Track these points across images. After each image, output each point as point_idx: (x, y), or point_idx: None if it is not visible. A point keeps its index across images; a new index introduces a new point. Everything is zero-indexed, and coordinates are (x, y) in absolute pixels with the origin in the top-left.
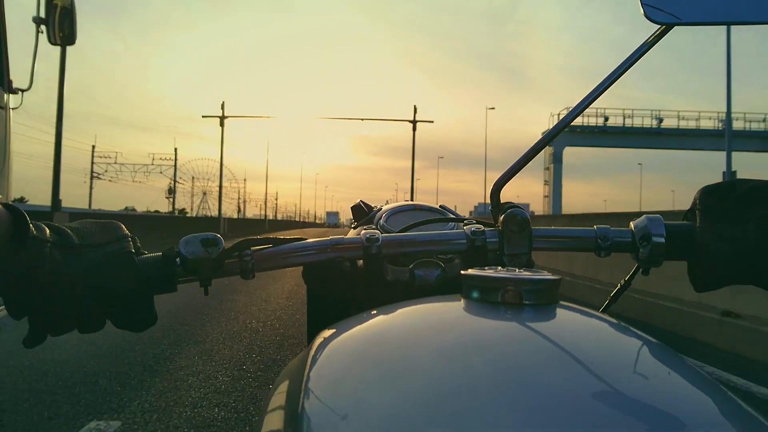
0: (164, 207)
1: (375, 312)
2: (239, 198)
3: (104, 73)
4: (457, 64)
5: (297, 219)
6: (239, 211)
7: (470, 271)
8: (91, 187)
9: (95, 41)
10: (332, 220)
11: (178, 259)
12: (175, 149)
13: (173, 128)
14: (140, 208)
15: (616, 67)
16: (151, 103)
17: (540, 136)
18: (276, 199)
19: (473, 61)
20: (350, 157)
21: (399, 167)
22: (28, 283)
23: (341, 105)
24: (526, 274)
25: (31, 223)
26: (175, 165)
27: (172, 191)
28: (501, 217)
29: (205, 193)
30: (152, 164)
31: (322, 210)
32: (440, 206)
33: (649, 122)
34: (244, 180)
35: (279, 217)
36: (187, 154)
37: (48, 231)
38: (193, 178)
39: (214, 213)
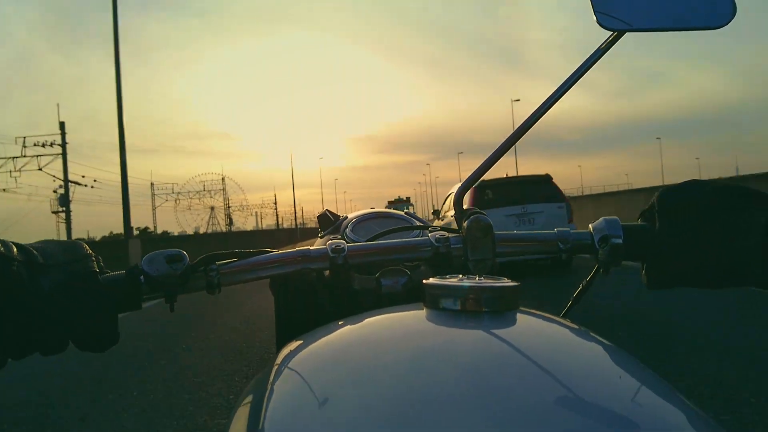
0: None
1: (340, 323)
2: (252, 211)
3: (106, 99)
4: (453, 54)
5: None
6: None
7: (431, 281)
8: (154, 215)
9: (94, 68)
10: None
11: (142, 277)
12: (222, 177)
13: (180, 148)
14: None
15: (571, 73)
16: (155, 126)
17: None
18: (299, 208)
19: (468, 49)
20: (358, 159)
21: (406, 162)
22: None
23: (342, 107)
24: (485, 281)
25: None
26: (224, 187)
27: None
28: (465, 224)
29: (213, 208)
30: (203, 190)
31: (344, 213)
32: (406, 212)
33: None
34: (274, 192)
35: (288, 224)
36: (194, 170)
37: (15, 249)
38: (203, 192)
39: (224, 228)
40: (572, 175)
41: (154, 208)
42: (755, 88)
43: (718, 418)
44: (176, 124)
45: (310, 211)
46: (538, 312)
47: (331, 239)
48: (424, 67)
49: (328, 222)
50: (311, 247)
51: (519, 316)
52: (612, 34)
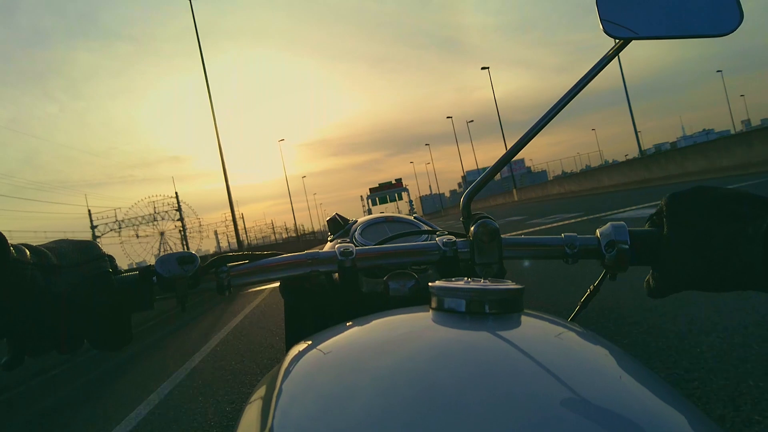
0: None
1: (348, 324)
2: (211, 230)
3: (45, 137)
4: (393, 49)
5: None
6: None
7: (437, 283)
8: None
9: (28, 107)
10: None
11: (154, 278)
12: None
13: (128, 177)
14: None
15: (578, 80)
16: (100, 158)
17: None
18: (269, 220)
19: (407, 42)
20: (316, 164)
21: (362, 162)
22: (8, 305)
23: (290, 115)
24: (490, 284)
25: (11, 246)
26: (178, 206)
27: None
28: (472, 228)
29: (162, 234)
30: (154, 212)
31: (318, 223)
32: (414, 217)
33: None
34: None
35: (254, 239)
36: (143, 193)
37: (28, 252)
38: (152, 215)
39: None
40: (531, 154)
41: (94, 237)
42: (689, 50)
43: (722, 422)
44: (123, 153)
45: (281, 222)
46: (542, 314)
47: (339, 243)
48: (366, 65)
49: (338, 226)
50: (320, 251)
51: (524, 318)
52: (618, 42)
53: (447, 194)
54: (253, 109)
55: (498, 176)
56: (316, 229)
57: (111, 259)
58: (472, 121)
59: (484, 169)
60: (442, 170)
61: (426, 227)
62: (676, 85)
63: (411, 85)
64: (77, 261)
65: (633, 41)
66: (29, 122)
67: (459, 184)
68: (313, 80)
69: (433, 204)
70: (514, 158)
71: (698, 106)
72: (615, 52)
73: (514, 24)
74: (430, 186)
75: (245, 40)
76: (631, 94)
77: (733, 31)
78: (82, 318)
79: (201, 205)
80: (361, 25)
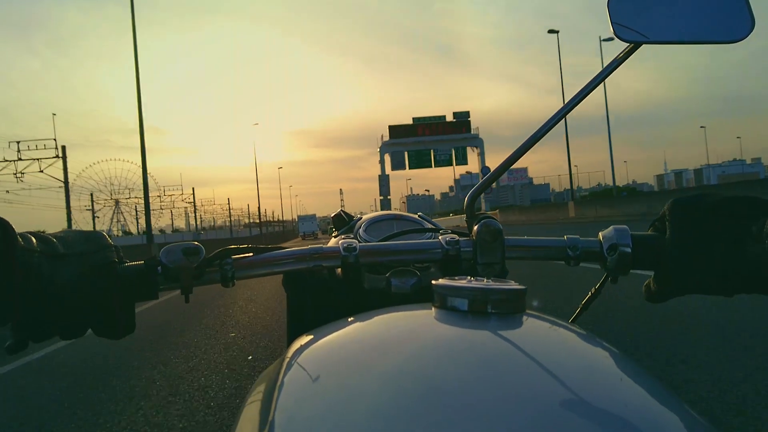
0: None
1: (350, 320)
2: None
3: (25, 92)
4: (389, 48)
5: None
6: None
7: (441, 281)
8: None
9: (9, 58)
10: (309, 227)
11: (159, 268)
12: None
13: (105, 142)
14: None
15: (587, 83)
16: (79, 119)
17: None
18: (244, 205)
19: (404, 43)
20: (296, 153)
21: (343, 157)
22: (15, 292)
23: (277, 100)
24: (493, 284)
25: (18, 234)
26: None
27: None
28: (475, 227)
29: (117, 202)
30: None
31: (289, 212)
32: (419, 215)
33: None
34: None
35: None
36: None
37: (35, 240)
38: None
39: (133, 230)
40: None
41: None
42: (678, 88)
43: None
44: (102, 117)
45: (244, 206)
46: (544, 315)
47: (343, 239)
48: (359, 61)
49: (342, 222)
50: (324, 245)
51: (525, 318)
52: (628, 46)
53: (438, 197)
54: (237, 89)
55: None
56: (286, 219)
57: (117, 249)
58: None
59: (477, 174)
60: (429, 175)
61: (430, 226)
62: (659, 120)
63: (402, 86)
64: (83, 250)
65: (643, 45)
66: (9, 74)
67: (450, 188)
68: (302, 68)
69: (421, 206)
70: (517, 166)
71: (678, 143)
72: (625, 56)
73: (511, 39)
74: (411, 189)
75: (242, 21)
76: (628, 121)
77: (744, 38)
78: (86, 306)
79: (170, 180)
80: (359, 20)
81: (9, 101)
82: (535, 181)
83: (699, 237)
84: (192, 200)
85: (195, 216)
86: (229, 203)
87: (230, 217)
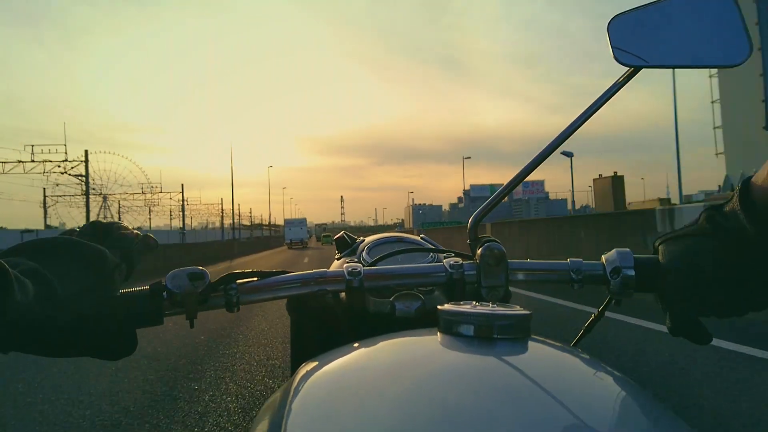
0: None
1: (356, 345)
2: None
3: (30, 85)
4: (397, 60)
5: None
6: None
7: (446, 307)
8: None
9: (17, 50)
10: (297, 234)
11: (165, 293)
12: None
13: (108, 139)
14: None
15: (587, 107)
16: (81, 115)
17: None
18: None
19: (412, 55)
20: (298, 159)
21: (346, 165)
22: (14, 335)
23: (285, 106)
24: (498, 309)
25: (14, 280)
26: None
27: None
28: (479, 251)
29: (105, 197)
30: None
31: (280, 216)
32: (422, 237)
33: None
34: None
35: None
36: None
37: (30, 285)
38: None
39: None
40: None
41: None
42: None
43: None
44: (107, 114)
45: (255, 211)
46: (549, 340)
47: (347, 262)
48: (367, 71)
49: (345, 244)
50: (328, 270)
51: (531, 343)
52: (628, 70)
53: (446, 207)
54: (239, 93)
55: (506, 199)
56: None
57: (121, 269)
58: (470, 157)
59: (488, 186)
60: (429, 187)
61: (431, 246)
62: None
63: (408, 97)
64: (84, 284)
65: (643, 69)
66: (16, 66)
67: (459, 198)
68: (308, 74)
69: (427, 218)
70: (532, 179)
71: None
72: (625, 80)
73: (520, 56)
74: (413, 200)
75: (256, 24)
76: (632, 143)
77: (742, 63)
78: (89, 334)
79: (176, 180)
80: (368, 28)
81: (12, 92)
82: (551, 196)
83: (699, 260)
84: (181, 199)
85: (182, 216)
86: (221, 204)
87: (222, 219)
